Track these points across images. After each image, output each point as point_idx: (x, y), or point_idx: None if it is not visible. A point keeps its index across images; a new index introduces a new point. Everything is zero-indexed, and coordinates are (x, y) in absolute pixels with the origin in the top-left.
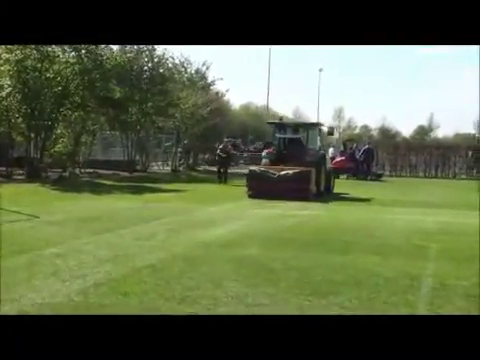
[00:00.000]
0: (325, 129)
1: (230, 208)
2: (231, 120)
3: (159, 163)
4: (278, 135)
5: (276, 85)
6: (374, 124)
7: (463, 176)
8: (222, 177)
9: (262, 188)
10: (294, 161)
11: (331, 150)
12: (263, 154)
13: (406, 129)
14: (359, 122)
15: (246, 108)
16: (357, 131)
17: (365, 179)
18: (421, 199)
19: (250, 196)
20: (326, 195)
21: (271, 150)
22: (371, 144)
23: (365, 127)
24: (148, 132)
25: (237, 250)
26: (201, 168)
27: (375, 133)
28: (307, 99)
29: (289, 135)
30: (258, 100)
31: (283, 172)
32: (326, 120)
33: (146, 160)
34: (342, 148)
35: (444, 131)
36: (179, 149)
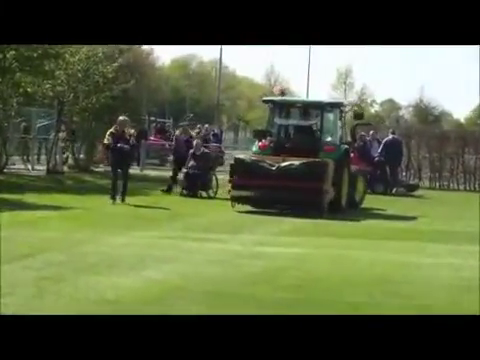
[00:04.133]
0: (348, 111)
1: (152, 238)
2: (157, 86)
3: (26, 158)
4: (278, 121)
5: None
6: (405, 99)
7: None
8: (116, 188)
9: (253, 187)
10: (302, 159)
11: None
12: (254, 149)
13: (459, 108)
14: (379, 95)
15: (183, 65)
16: (376, 109)
17: (388, 193)
18: None
19: (233, 199)
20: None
21: (266, 143)
22: (398, 133)
23: (389, 102)
24: (7, 103)
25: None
26: (101, 168)
27: (406, 113)
28: (289, 53)
29: (295, 121)
30: (204, 52)
31: (285, 163)
32: (324, 90)
33: (3, 152)
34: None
35: None
36: (62, 134)
